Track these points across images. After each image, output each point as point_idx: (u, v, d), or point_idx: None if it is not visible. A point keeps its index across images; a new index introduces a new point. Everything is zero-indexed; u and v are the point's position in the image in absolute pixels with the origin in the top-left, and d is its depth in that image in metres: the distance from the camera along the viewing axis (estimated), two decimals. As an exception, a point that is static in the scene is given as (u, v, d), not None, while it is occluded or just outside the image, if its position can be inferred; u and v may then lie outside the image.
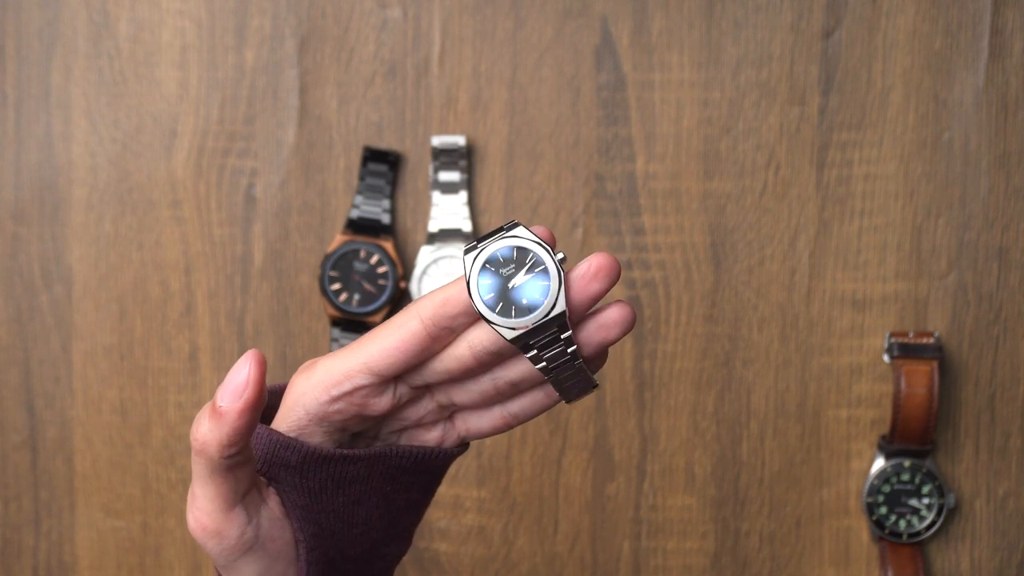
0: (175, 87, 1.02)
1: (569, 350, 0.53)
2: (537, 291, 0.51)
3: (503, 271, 0.52)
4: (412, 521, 0.61)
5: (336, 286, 1.01)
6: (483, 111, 1.01)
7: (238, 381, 0.51)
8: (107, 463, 1.04)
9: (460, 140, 1.00)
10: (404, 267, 1.02)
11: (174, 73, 1.02)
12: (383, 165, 1.01)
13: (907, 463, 1.00)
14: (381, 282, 1.01)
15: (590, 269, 0.52)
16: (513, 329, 0.52)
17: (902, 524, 1.00)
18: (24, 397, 1.04)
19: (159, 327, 1.03)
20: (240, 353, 1.03)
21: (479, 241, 0.52)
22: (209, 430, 0.52)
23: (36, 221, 1.04)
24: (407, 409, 0.58)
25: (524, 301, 0.51)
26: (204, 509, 0.54)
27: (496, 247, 0.52)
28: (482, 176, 1.02)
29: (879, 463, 1.01)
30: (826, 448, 1.02)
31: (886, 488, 1.00)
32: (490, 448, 1.03)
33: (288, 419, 0.56)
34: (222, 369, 1.03)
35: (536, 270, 0.51)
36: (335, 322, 1.01)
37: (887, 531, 1.00)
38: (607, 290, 0.52)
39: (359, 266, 1.01)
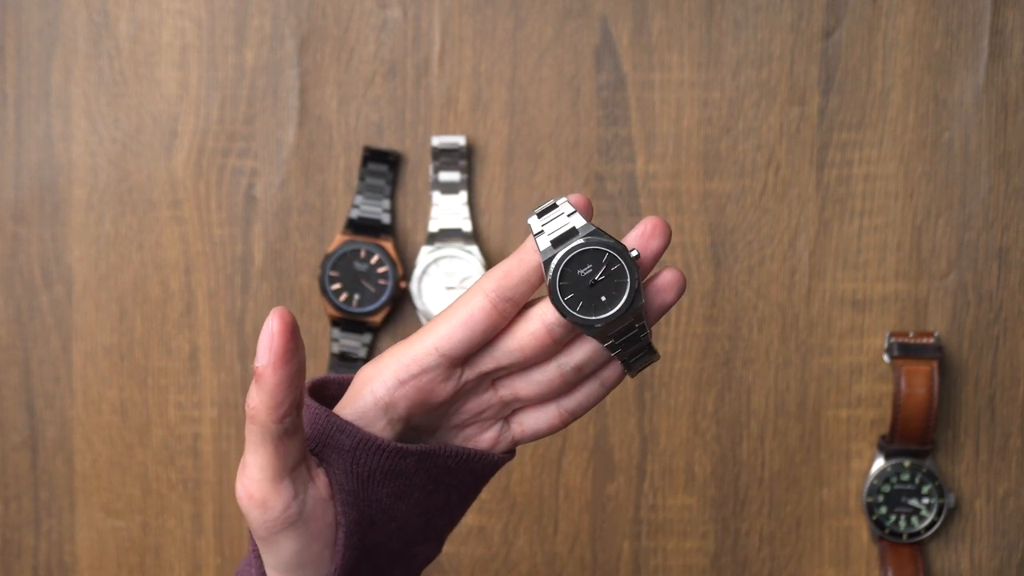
0: (175, 87, 1.02)
1: (642, 335, 0.57)
2: (616, 288, 0.55)
3: (581, 271, 0.55)
4: (445, 526, 0.62)
5: (336, 286, 1.01)
6: (483, 111, 1.01)
7: (264, 339, 0.53)
8: (107, 463, 1.04)
9: (460, 140, 1.00)
10: (404, 267, 1.02)
11: (174, 73, 1.02)
12: (383, 165, 1.01)
13: (907, 463, 1.00)
14: (381, 282, 1.01)
15: (647, 229, 0.56)
16: (595, 326, 0.55)
17: (902, 524, 1.00)
18: (24, 397, 1.04)
19: (159, 327, 1.04)
20: (240, 353, 1.03)
21: (539, 215, 0.56)
22: (256, 394, 0.53)
23: (36, 221, 1.04)
24: (469, 401, 0.59)
25: (603, 298, 0.55)
26: (253, 477, 0.55)
27: (571, 248, 0.55)
28: (482, 176, 1.02)
29: (879, 463, 1.01)
30: (826, 448, 1.02)
31: (886, 488, 1.00)
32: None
33: (354, 404, 0.57)
34: (222, 369, 1.03)
35: (613, 268, 0.55)
36: (335, 322, 1.01)
37: (887, 531, 1.00)
38: (665, 247, 0.56)
39: (359, 266, 1.01)
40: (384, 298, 1.01)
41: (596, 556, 1.03)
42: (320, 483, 0.56)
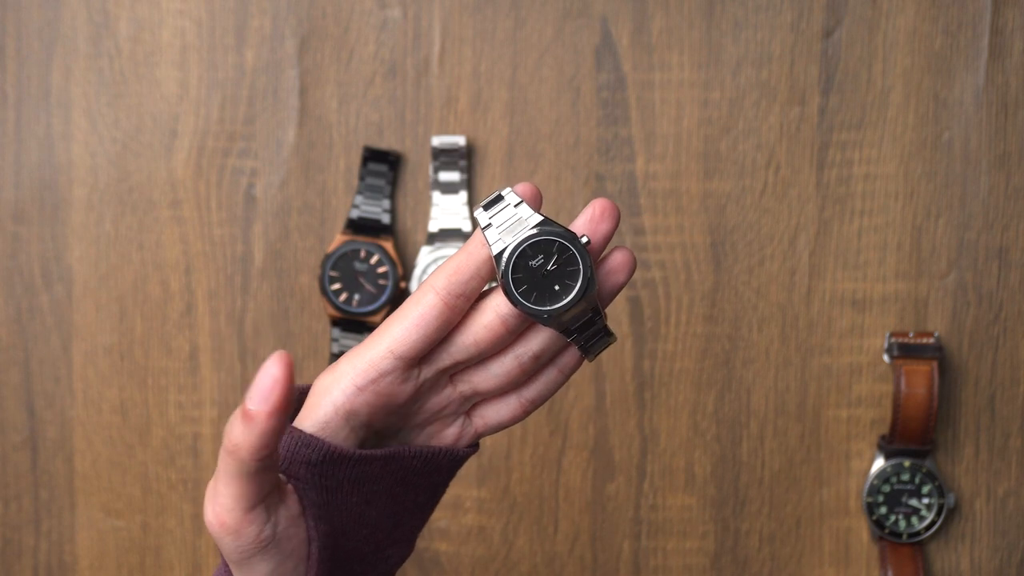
0: (175, 87, 1.02)
1: (596, 318, 0.56)
2: (568, 276, 0.55)
3: (532, 262, 0.55)
4: (416, 525, 0.62)
5: (336, 286, 1.01)
6: (483, 111, 1.01)
7: (266, 383, 0.51)
8: (107, 463, 1.04)
9: (460, 140, 1.00)
10: (404, 267, 1.02)
11: (174, 73, 1.02)
12: (383, 165, 1.01)
13: (907, 463, 1.00)
14: (381, 282, 1.01)
15: (596, 212, 0.55)
16: (551, 316, 0.55)
17: (902, 524, 1.00)
18: (24, 397, 1.04)
19: (159, 327, 1.04)
20: (240, 353, 1.03)
21: (486, 207, 0.55)
22: (240, 433, 0.51)
23: (36, 221, 1.04)
24: (429, 399, 0.58)
25: (556, 287, 0.55)
26: (226, 506, 0.54)
27: (521, 240, 0.54)
28: (482, 176, 1.02)
29: (879, 463, 1.01)
30: (826, 448, 1.02)
31: (886, 488, 1.00)
32: (490, 448, 1.03)
33: (314, 415, 0.57)
34: (222, 369, 1.03)
35: (564, 256, 0.55)
36: (335, 322, 1.01)
37: (887, 531, 1.00)
38: (614, 229, 0.56)
39: (359, 266, 1.01)
40: (384, 298, 1.01)
41: (596, 556, 1.03)
42: (291, 501, 0.56)
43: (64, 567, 1.05)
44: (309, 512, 0.56)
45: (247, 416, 0.51)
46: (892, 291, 1.01)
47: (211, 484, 0.54)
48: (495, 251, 0.54)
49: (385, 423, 0.58)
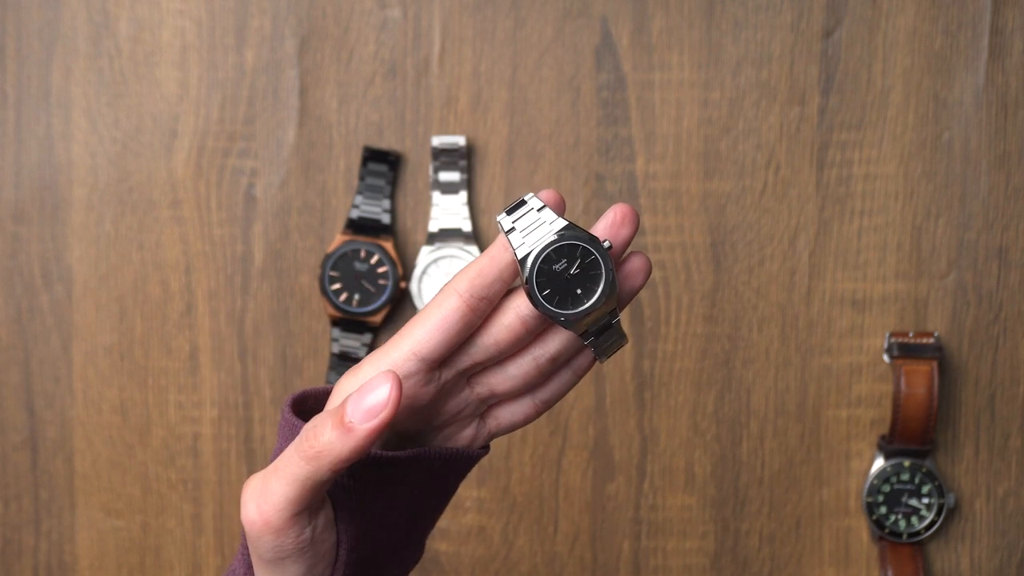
0: (175, 87, 1.02)
1: (614, 321, 0.57)
2: (591, 280, 0.55)
3: (556, 266, 0.55)
4: (427, 528, 0.62)
5: (336, 286, 1.01)
6: (483, 111, 1.01)
7: (377, 400, 0.50)
8: (107, 463, 1.04)
9: (460, 140, 1.00)
10: (404, 267, 1.02)
11: (174, 73, 1.02)
12: (383, 165, 1.01)
13: (907, 463, 1.00)
14: (381, 282, 1.01)
15: (616, 217, 0.56)
16: (573, 319, 0.56)
17: (902, 524, 1.00)
18: (24, 397, 1.04)
19: (159, 327, 1.04)
20: (240, 353, 1.03)
21: (509, 212, 0.56)
22: (331, 441, 0.51)
23: (36, 221, 1.04)
24: (448, 401, 0.59)
25: (579, 291, 0.55)
26: (276, 506, 0.53)
27: (545, 245, 0.55)
28: (482, 176, 1.02)
29: (879, 463, 1.01)
30: (826, 448, 1.02)
31: (886, 488, 1.00)
32: (490, 448, 1.03)
33: None
34: (222, 369, 1.03)
35: (587, 260, 0.55)
36: (335, 322, 1.01)
37: (887, 531, 1.00)
38: (634, 234, 0.56)
39: (359, 266, 1.01)
40: (384, 298, 1.01)
41: (596, 556, 1.03)
42: (328, 506, 0.56)
43: (64, 567, 1.05)
44: (340, 516, 0.56)
45: (346, 427, 0.51)
46: (892, 291, 1.01)
47: (258, 481, 0.54)
48: (519, 255, 0.55)
49: (406, 426, 0.58)
